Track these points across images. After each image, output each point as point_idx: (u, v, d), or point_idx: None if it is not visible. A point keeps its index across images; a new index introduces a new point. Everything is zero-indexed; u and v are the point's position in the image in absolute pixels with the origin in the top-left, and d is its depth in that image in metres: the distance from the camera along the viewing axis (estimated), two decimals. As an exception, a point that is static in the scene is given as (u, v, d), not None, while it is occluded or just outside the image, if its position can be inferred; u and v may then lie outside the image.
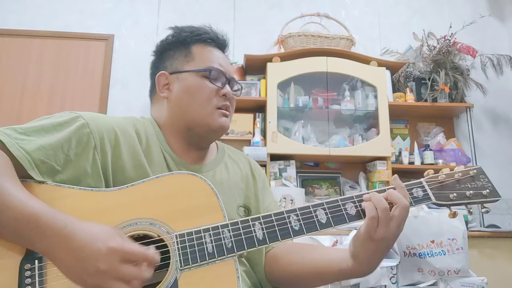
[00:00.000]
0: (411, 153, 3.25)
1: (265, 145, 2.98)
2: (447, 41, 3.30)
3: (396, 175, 0.89)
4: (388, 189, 0.87)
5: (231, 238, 0.80)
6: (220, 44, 1.09)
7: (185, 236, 0.79)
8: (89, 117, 0.91)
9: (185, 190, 0.84)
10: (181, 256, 0.77)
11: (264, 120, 3.13)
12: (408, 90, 3.33)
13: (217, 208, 0.84)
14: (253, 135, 3.07)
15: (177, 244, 0.78)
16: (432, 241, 1.89)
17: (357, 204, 0.87)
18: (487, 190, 0.89)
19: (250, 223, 0.83)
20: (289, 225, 0.84)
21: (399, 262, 1.87)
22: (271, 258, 1.04)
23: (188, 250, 0.78)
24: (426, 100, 3.29)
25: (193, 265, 0.77)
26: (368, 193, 0.87)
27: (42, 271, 0.72)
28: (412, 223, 1.89)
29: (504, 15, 3.80)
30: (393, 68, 3.34)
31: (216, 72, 1.03)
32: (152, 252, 0.71)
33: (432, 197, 0.89)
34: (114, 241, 0.69)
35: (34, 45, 3.41)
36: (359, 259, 0.87)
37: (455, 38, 3.31)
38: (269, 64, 3.13)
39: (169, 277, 0.76)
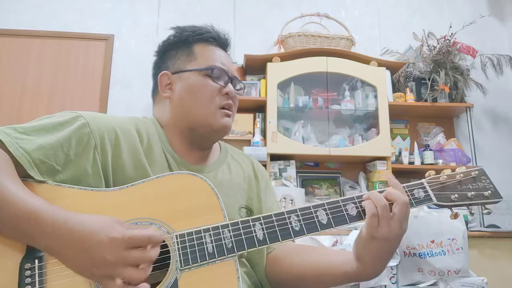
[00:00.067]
0: (411, 153, 3.25)
1: (265, 145, 2.98)
2: (447, 41, 3.30)
3: (390, 175, 0.89)
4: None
5: (231, 238, 0.80)
6: (222, 43, 1.09)
7: (185, 236, 0.79)
8: (89, 116, 0.91)
9: (185, 190, 0.84)
10: (181, 256, 0.77)
11: (264, 120, 3.13)
12: (408, 90, 3.33)
13: (217, 208, 0.84)
14: (253, 135, 3.07)
15: (177, 244, 0.78)
16: (432, 241, 1.89)
17: (358, 204, 0.86)
18: (489, 191, 0.89)
19: (251, 223, 0.83)
20: (289, 225, 0.84)
21: (399, 262, 1.87)
22: (272, 260, 1.03)
23: (188, 250, 0.78)
24: (426, 100, 3.29)
25: (193, 265, 0.77)
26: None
27: (42, 270, 0.72)
28: (412, 223, 1.89)
29: (504, 15, 3.80)
30: (393, 68, 3.34)
31: (218, 71, 1.03)
32: (153, 232, 0.72)
33: (434, 198, 0.88)
34: (116, 230, 0.70)
35: (34, 45, 3.41)
36: (363, 261, 0.85)
37: (455, 38, 3.31)
38: (269, 64, 3.13)
39: (169, 277, 0.76)
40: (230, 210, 0.92)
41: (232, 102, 1.05)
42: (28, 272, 0.71)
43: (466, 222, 2.50)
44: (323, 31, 3.38)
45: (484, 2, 3.82)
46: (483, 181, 0.90)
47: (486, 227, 2.86)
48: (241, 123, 3.08)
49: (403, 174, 3.22)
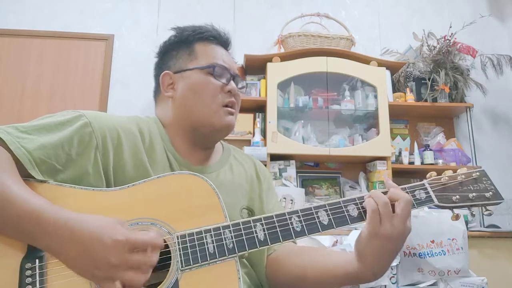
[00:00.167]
0: (411, 153, 3.25)
1: (265, 145, 2.98)
2: (447, 41, 3.30)
3: (387, 178, 0.89)
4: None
5: (232, 238, 0.80)
6: (223, 41, 1.09)
7: (186, 236, 0.79)
8: (91, 116, 0.90)
9: (186, 190, 0.84)
10: (182, 256, 0.77)
11: (264, 120, 3.13)
12: (408, 90, 3.33)
13: (218, 208, 0.83)
14: (253, 135, 3.07)
15: (178, 245, 0.78)
16: (432, 241, 1.89)
17: (359, 205, 0.86)
18: (490, 192, 0.88)
19: (252, 224, 0.82)
20: (290, 226, 0.83)
21: (399, 262, 1.87)
22: (273, 261, 1.02)
23: (189, 250, 0.78)
24: (426, 100, 3.29)
25: (194, 265, 0.77)
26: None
27: (42, 270, 0.72)
28: (412, 223, 1.87)
29: (504, 15, 3.80)
30: (393, 68, 3.34)
31: (220, 69, 1.02)
32: (154, 236, 0.72)
33: (435, 199, 0.88)
34: (119, 233, 0.70)
35: (34, 45, 3.41)
36: (365, 261, 0.84)
37: (455, 38, 3.31)
38: (269, 64, 3.13)
39: (170, 278, 0.76)
40: (231, 210, 0.92)
41: (235, 100, 1.04)
42: (28, 272, 0.71)
43: (466, 222, 2.50)
44: (323, 31, 3.38)
45: (484, 2, 3.82)
46: (484, 182, 0.90)
47: (486, 227, 2.87)
48: (241, 123, 3.08)
49: (403, 174, 3.22)
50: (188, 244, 0.78)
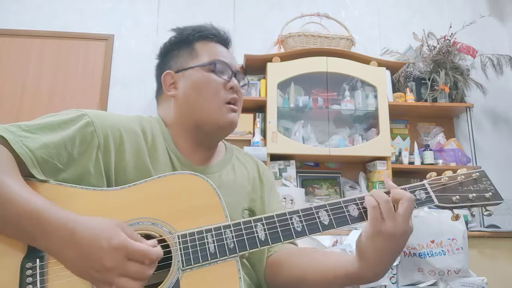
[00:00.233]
0: (411, 153, 3.25)
1: (265, 145, 2.98)
2: (447, 41, 3.30)
3: (387, 178, 0.89)
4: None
5: (233, 238, 0.80)
6: (223, 40, 1.09)
7: (187, 236, 0.79)
8: (94, 115, 0.90)
9: (187, 190, 0.84)
10: (183, 256, 0.77)
11: (264, 120, 3.13)
12: (408, 90, 3.33)
13: (219, 208, 0.83)
14: (253, 135, 3.07)
15: (179, 245, 0.78)
16: (432, 241, 1.89)
17: (360, 206, 0.86)
18: (490, 193, 0.88)
19: (253, 223, 0.82)
20: (291, 226, 0.83)
21: (399, 262, 1.87)
22: (273, 262, 1.02)
23: (190, 250, 0.78)
24: (426, 100, 3.29)
25: (195, 265, 0.77)
26: None
27: (43, 270, 0.72)
28: (412, 223, 1.89)
29: (504, 15, 3.80)
30: (393, 68, 3.34)
31: (221, 65, 1.02)
32: (152, 249, 0.72)
33: (435, 200, 0.88)
34: (116, 239, 0.69)
35: (34, 45, 3.41)
36: (367, 259, 0.83)
37: (455, 38, 3.31)
38: (269, 64, 3.13)
39: (171, 277, 0.76)
40: (233, 211, 0.91)
41: (238, 97, 1.04)
42: (29, 272, 0.71)
43: (466, 222, 2.50)
44: (323, 31, 3.38)
45: (484, 2, 3.82)
46: (484, 182, 0.90)
47: (486, 227, 2.87)
48: (241, 123, 3.06)
49: (403, 174, 3.22)
50: (189, 244, 0.78)
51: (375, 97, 3.17)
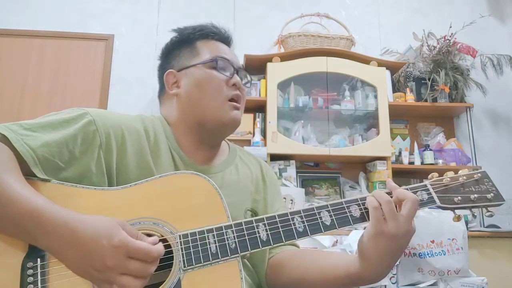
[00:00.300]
0: (411, 153, 3.25)
1: (265, 145, 2.98)
2: (447, 41, 3.30)
3: (389, 179, 0.89)
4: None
5: (234, 239, 0.80)
6: (224, 38, 1.09)
7: (189, 236, 0.79)
8: (96, 114, 0.90)
9: (189, 190, 0.84)
10: (184, 256, 0.77)
11: (264, 120, 3.13)
12: (408, 90, 3.33)
13: (220, 208, 0.83)
14: (253, 135, 3.07)
15: (181, 244, 0.78)
16: (432, 241, 1.89)
17: (362, 206, 0.85)
18: (491, 194, 0.88)
19: (254, 224, 0.82)
20: (293, 226, 0.83)
21: (399, 262, 1.87)
22: (275, 263, 1.02)
23: (192, 250, 0.78)
24: (426, 100, 3.29)
25: (196, 265, 0.77)
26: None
27: (44, 269, 0.72)
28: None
29: (504, 15, 3.80)
30: (393, 68, 3.34)
31: (222, 62, 1.02)
32: (153, 247, 0.72)
33: (437, 200, 0.88)
34: (117, 237, 0.69)
35: (34, 45, 3.41)
36: (368, 259, 0.82)
37: (455, 38, 3.31)
38: (269, 64, 3.13)
39: (172, 277, 0.75)
40: (235, 211, 0.91)
41: (240, 94, 1.03)
42: (30, 271, 0.71)
43: (466, 222, 2.51)
44: (323, 31, 3.38)
45: (484, 2, 3.82)
46: (486, 183, 0.90)
47: (486, 227, 2.87)
48: (241, 123, 3.06)
49: (403, 174, 3.23)
50: (191, 244, 0.78)
51: (375, 97, 3.17)
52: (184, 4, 3.61)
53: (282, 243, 0.82)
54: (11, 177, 0.73)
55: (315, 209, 0.85)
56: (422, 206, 0.87)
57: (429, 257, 1.86)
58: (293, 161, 3.08)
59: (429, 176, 0.92)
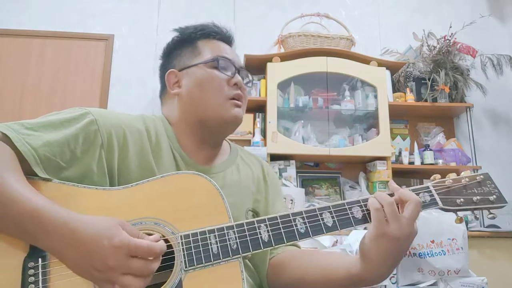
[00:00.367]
0: (411, 153, 3.25)
1: (265, 145, 2.98)
2: (447, 41, 3.30)
3: (391, 180, 0.88)
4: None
5: (236, 239, 0.80)
6: (226, 37, 1.09)
7: (190, 236, 0.79)
8: (98, 113, 0.90)
9: (190, 190, 0.84)
10: (185, 256, 0.77)
11: (264, 120, 3.13)
12: (408, 90, 3.33)
13: (222, 209, 0.83)
14: (253, 135, 3.07)
15: (182, 245, 0.78)
16: (432, 241, 1.89)
17: (363, 208, 0.85)
18: (494, 195, 0.88)
19: (256, 224, 0.82)
20: (295, 227, 0.83)
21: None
22: (275, 263, 1.01)
23: (193, 250, 0.78)
24: (426, 100, 3.29)
25: (197, 266, 0.77)
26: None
27: (45, 269, 0.72)
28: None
29: (504, 15, 3.80)
30: (393, 68, 3.35)
31: (224, 61, 1.02)
32: (155, 244, 0.72)
33: (440, 202, 0.87)
34: (118, 237, 0.69)
35: (34, 45, 3.41)
36: (370, 262, 0.81)
37: (455, 38, 3.32)
38: (269, 64, 3.13)
39: (173, 278, 0.75)
40: (237, 212, 0.91)
41: (242, 93, 1.03)
42: (31, 271, 0.71)
43: (466, 222, 2.51)
44: (323, 31, 3.38)
45: (484, 2, 3.82)
46: (488, 185, 0.89)
47: (486, 227, 2.87)
48: (241, 123, 3.08)
49: (403, 174, 3.23)
50: (192, 245, 0.78)
51: (375, 97, 3.17)
52: (184, 4, 3.61)
53: (283, 244, 0.82)
54: (12, 177, 0.73)
55: (317, 210, 0.85)
56: (425, 208, 0.86)
57: (429, 257, 1.86)
58: (293, 161, 3.09)
59: (431, 178, 0.92)
